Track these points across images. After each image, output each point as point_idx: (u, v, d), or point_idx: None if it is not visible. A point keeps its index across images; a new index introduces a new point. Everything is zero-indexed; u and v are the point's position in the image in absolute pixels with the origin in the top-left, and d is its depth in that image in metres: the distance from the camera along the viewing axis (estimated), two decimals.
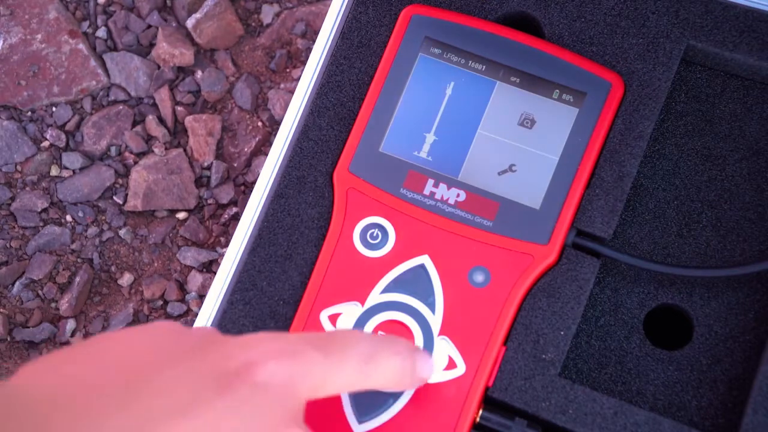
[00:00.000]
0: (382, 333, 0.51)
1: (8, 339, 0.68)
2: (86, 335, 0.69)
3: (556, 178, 0.52)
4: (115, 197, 0.71)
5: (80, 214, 0.70)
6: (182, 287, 0.69)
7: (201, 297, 0.68)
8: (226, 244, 0.69)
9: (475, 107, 0.53)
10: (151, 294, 0.69)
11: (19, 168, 0.71)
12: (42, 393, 0.35)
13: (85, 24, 0.73)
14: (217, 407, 0.37)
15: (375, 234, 0.52)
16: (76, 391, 0.36)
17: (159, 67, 0.72)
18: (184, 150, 0.71)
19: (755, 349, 0.51)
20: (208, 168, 0.71)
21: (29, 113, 0.72)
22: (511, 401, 0.50)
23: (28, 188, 0.71)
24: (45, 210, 0.71)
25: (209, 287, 0.57)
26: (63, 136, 0.71)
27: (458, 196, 0.52)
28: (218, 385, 0.38)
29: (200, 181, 0.71)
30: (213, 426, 0.37)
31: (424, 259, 0.51)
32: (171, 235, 0.70)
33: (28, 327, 0.69)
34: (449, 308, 0.51)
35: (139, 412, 0.36)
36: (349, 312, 0.51)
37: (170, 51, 0.72)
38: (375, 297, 0.51)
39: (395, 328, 0.51)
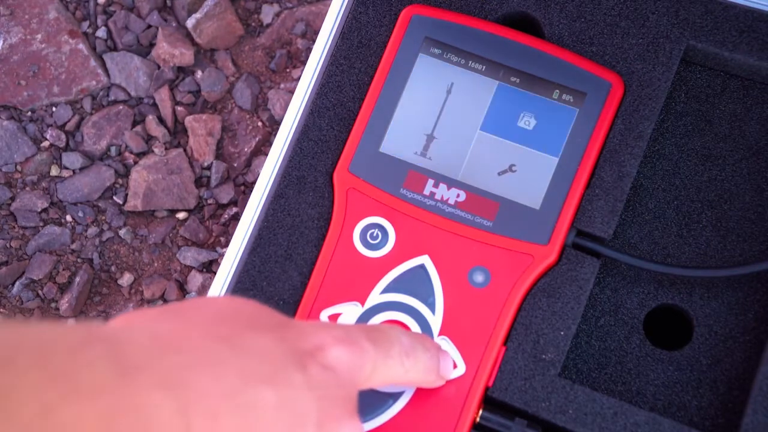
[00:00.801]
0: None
1: None
2: None
3: (556, 178, 0.52)
4: (115, 197, 0.71)
5: (80, 214, 0.70)
6: (182, 287, 0.69)
7: None
8: (226, 244, 0.69)
9: (475, 107, 0.53)
10: (151, 294, 0.69)
11: (19, 168, 0.71)
12: (144, 338, 0.36)
13: (85, 24, 0.73)
14: (295, 382, 0.39)
15: (375, 234, 0.52)
16: (176, 342, 0.37)
17: (159, 67, 0.72)
18: (184, 150, 0.71)
19: (755, 349, 0.51)
20: (208, 168, 0.71)
21: (29, 113, 0.72)
22: (511, 401, 0.50)
23: (28, 188, 0.71)
24: (45, 210, 0.71)
25: (209, 287, 0.57)
26: (63, 136, 0.71)
27: (458, 196, 0.52)
28: (296, 361, 0.39)
29: (200, 181, 0.71)
30: (291, 399, 0.38)
31: (424, 260, 0.51)
32: (171, 235, 0.70)
33: None
34: (449, 308, 0.51)
35: (233, 370, 0.37)
36: (349, 312, 0.51)
37: (170, 51, 0.72)
38: (375, 297, 0.51)
39: None
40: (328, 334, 0.41)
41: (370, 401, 0.50)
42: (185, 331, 0.38)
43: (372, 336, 0.43)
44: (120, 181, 0.71)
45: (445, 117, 0.53)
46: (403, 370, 0.45)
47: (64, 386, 0.31)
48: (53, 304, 0.69)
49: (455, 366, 0.50)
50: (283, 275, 0.53)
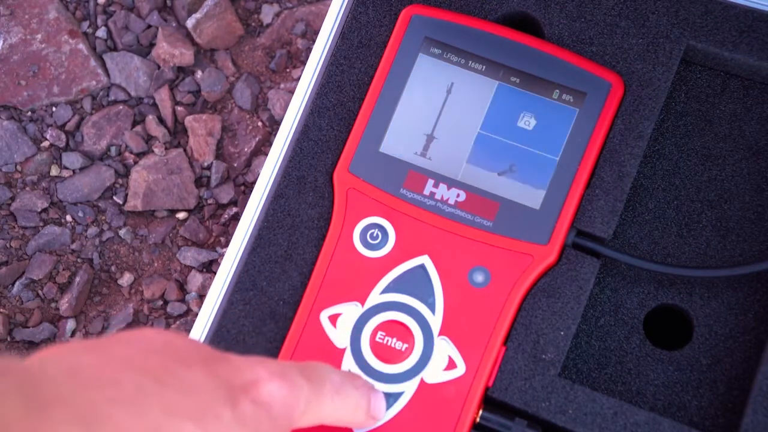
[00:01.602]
0: (383, 333, 0.51)
1: (8, 339, 0.68)
2: (86, 335, 0.69)
3: (556, 178, 0.52)
4: (115, 197, 0.71)
5: (80, 214, 0.70)
6: (182, 287, 0.69)
7: (201, 297, 0.69)
8: (226, 244, 0.69)
9: (475, 107, 0.53)
10: (151, 294, 0.69)
11: (19, 168, 0.71)
12: (62, 373, 0.35)
13: (85, 24, 0.73)
14: (224, 419, 0.38)
15: (375, 234, 0.52)
16: (97, 376, 0.36)
17: (159, 67, 0.72)
18: (184, 150, 0.71)
19: (755, 349, 0.51)
20: (208, 168, 0.71)
21: (29, 113, 0.72)
22: (511, 401, 0.50)
23: (28, 188, 0.71)
24: (45, 210, 0.71)
25: (209, 287, 0.57)
26: (63, 136, 0.71)
27: (458, 196, 0.52)
28: (227, 396, 0.38)
29: (200, 181, 0.71)
30: None
31: (424, 260, 0.51)
32: (171, 235, 0.70)
33: (28, 327, 0.69)
34: (449, 308, 0.51)
35: (157, 406, 0.36)
36: (349, 312, 0.51)
37: (170, 51, 0.72)
38: (375, 297, 0.51)
39: (395, 329, 0.51)
40: (264, 368, 0.40)
41: None
42: (107, 364, 0.37)
43: (305, 373, 0.43)
44: (120, 181, 0.71)
45: (445, 117, 0.53)
46: (333, 408, 0.44)
47: None
48: (53, 304, 0.69)
49: (453, 364, 0.50)
50: (283, 275, 0.53)
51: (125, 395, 0.35)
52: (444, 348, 0.50)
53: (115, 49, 0.73)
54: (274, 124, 0.71)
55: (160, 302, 0.69)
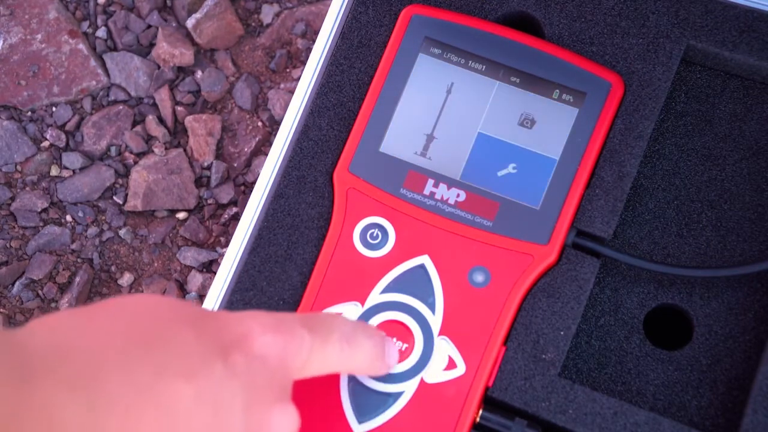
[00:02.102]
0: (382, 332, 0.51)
1: None
2: None
3: (556, 178, 0.52)
4: (115, 197, 0.71)
5: (80, 214, 0.70)
6: (182, 287, 0.69)
7: (201, 297, 0.69)
8: (226, 244, 0.69)
9: (475, 107, 0.53)
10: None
11: (19, 168, 0.71)
12: (49, 343, 0.35)
13: (85, 24, 0.73)
14: (215, 373, 0.38)
15: (375, 234, 0.52)
16: (85, 344, 0.36)
17: (159, 67, 0.72)
18: (184, 150, 0.71)
19: (755, 349, 0.51)
20: (208, 168, 0.71)
21: (29, 113, 0.72)
22: (511, 401, 0.50)
23: (28, 188, 0.71)
24: (45, 210, 0.71)
25: (209, 287, 0.57)
26: (63, 136, 0.71)
27: (458, 196, 0.52)
28: (219, 353, 0.38)
29: (200, 181, 0.71)
30: (212, 391, 0.37)
31: (424, 259, 0.51)
32: (171, 235, 0.70)
33: None
34: (449, 308, 0.51)
35: (147, 367, 0.36)
36: (349, 312, 0.51)
37: (170, 51, 0.72)
38: (375, 297, 0.51)
39: (395, 328, 0.51)
40: (255, 322, 0.40)
41: (370, 401, 0.50)
42: (93, 331, 0.37)
43: (308, 323, 0.42)
44: (120, 181, 0.71)
45: (445, 117, 0.53)
46: (343, 357, 0.44)
47: None
48: (53, 304, 0.69)
49: (453, 364, 0.50)
50: (283, 275, 0.53)
51: (113, 360, 0.35)
52: (444, 348, 0.50)
53: (115, 49, 0.73)
54: (274, 124, 0.71)
55: None
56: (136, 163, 0.71)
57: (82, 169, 0.71)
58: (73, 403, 0.33)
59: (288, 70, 0.72)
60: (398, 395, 0.50)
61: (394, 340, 0.50)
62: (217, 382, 0.38)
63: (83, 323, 0.37)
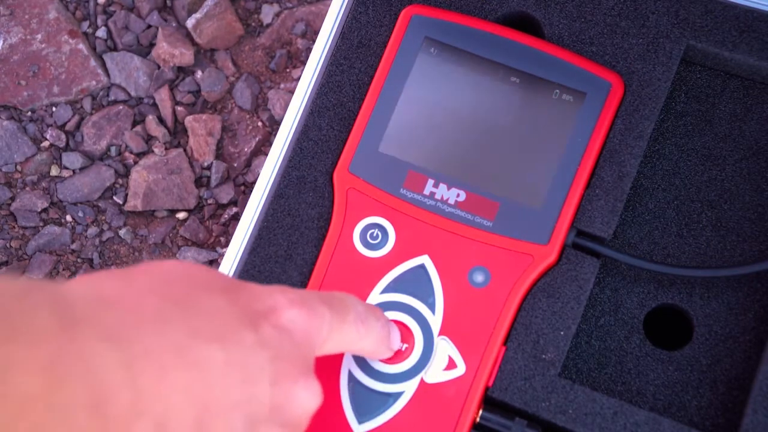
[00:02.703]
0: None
1: None
2: None
3: (556, 178, 0.52)
4: (115, 197, 0.71)
5: (80, 214, 0.70)
6: None
7: None
8: (226, 244, 0.69)
9: (475, 107, 0.53)
10: None
11: (19, 168, 0.71)
12: (91, 295, 0.36)
13: (85, 24, 0.73)
14: (246, 341, 0.38)
15: (375, 234, 0.52)
16: (124, 299, 0.36)
17: (159, 67, 0.72)
18: (184, 150, 0.71)
19: (755, 349, 0.51)
20: (208, 168, 0.71)
21: (29, 113, 0.72)
22: (511, 401, 0.50)
23: (28, 188, 0.71)
24: (45, 210, 0.71)
25: None
26: (63, 136, 0.71)
27: (458, 196, 0.52)
28: (248, 321, 0.39)
29: (200, 181, 0.71)
30: (242, 358, 0.38)
31: (424, 259, 0.51)
32: (171, 235, 0.70)
33: None
34: (449, 308, 0.51)
35: (182, 328, 0.36)
36: None
37: (170, 51, 0.72)
38: (375, 297, 0.51)
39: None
40: (283, 296, 0.41)
41: (370, 401, 0.50)
42: (132, 290, 0.37)
43: (328, 301, 0.43)
44: (120, 181, 0.71)
45: (445, 117, 0.53)
46: (357, 337, 0.45)
47: (3, 330, 0.30)
48: None
49: (453, 364, 0.50)
50: (283, 275, 0.53)
51: (149, 318, 0.36)
52: (444, 348, 0.50)
53: (115, 49, 0.73)
54: (274, 124, 0.71)
55: None
56: (136, 163, 0.71)
57: (82, 169, 0.71)
58: (111, 356, 0.33)
59: (288, 70, 0.72)
60: (398, 395, 0.50)
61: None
62: (247, 350, 0.38)
63: (123, 281, 0.38)
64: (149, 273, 0.39)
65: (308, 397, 0.40)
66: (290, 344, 0.40)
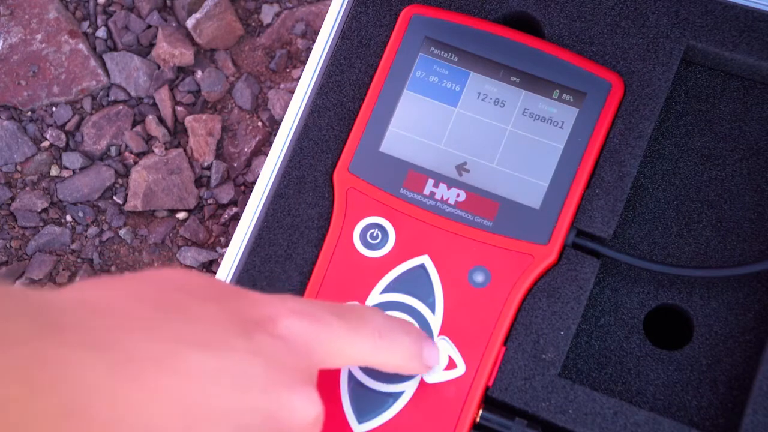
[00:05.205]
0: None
1: None
2: None
3: (556, 178, 0.52)
4: (115, 197, 0.71)
5: (80, 214, 0.70)
6: None
7: None
8: (226, 244, 0.69)
9: (475, 107, 0.53)
10: None
11: (19, 168, 0.71)
12: (75, 300, 0.35)
13: (85, 24, 0.73)
14: (238, 349, 0.37)
15: (375, 234, 0.52)
16: (110, 306, 0.36)
17: (159, 67, 0.72)
18: (184, 150, 0.71)
19: (755, 349, 0.51)
20: (208, 168, 0.71)
21: (29, 113, 0.72)
22: (511, 401, 0.50)
23: (28, 188, 0.71)
24: (45, 210, 0.71)
25: None
26: (63, 136, 0.71)
27: (458, 196, 0.52)
28: (241, 328, 0.38)
29: (200, 181, 0.71)
30: (231, 366, 0.37)
31: (424, 259, 0.51)
32: (171, 235, 0.70)
33: None
34: (449, 308, 0.51)
35: (168, 334, 0.36)
36: None
37: (170, 51, 0.72)
38: (375, 297, 0.51)
39: None
40: (283, 305, 0.40)
41: (370, 401, 0.50)
42: (122, 297, 0.37)
43: (339, 312, 0.42)
44: (120, 181, 0.71)
45: (445, 117, 0.53)
46: (374, 351, 0.43)
47: None
48: None
49: (453, 364, 0.50)
50: (283, 275, 0.53)
51: (135, 324, 0.35)
52: (444, 348, 0.50)
53: (115, 49, 0.73)
54: (274, 124, 0.71)
55: None
56: (136, 163, 0.71)
57: (82, 169, 0.71)
58: (92, 363, 0.33)
59: (288, 70, 0.72)
60: (398, 395, 0.50)
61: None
62: (237, 358, 0.37)
63: (112, 287, 0.37)
64: (143, 280, 0.38)
65: (304, 407, 0.39)
66: (286, 352, 0.39)
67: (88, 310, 0.35)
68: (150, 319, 0.36)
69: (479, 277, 0.51)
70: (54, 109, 0.72)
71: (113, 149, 0.71)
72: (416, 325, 0.51)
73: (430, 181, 0.52)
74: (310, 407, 0.39)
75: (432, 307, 0.51)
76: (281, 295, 0.41)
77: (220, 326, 0.38)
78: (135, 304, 0.36)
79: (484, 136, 0.53)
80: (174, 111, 0.72)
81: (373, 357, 0.44)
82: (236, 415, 0.37)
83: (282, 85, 0.72)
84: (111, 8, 0.74)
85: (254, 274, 0.53)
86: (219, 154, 0.71)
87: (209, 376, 0.36)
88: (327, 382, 0.50)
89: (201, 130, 0.71)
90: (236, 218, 0.70)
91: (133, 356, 0.34)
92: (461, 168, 0.52)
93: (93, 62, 0.72)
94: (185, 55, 0.72)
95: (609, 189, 0.52)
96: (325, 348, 0.41)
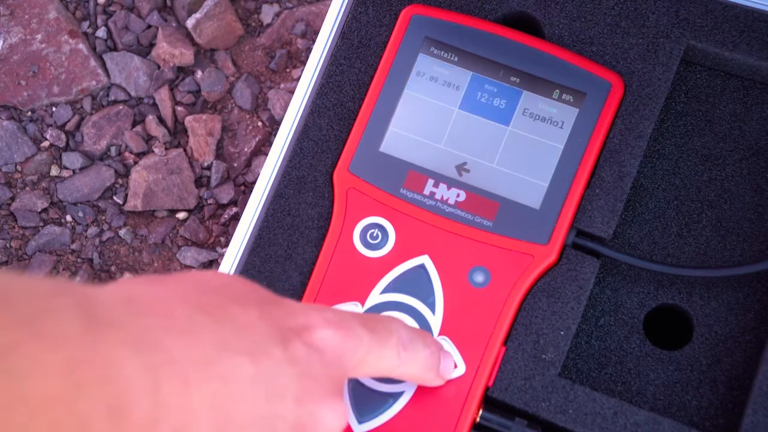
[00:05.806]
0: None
1: None
2: None
3: (556, 178, 0.52)
4: (115, 197, 0.71)
5: (80, 214, 0.70)
6: None
7: None
8: (226, 244, 0.69)
9: (474, 107, 0.53)
10: None
11: (19, 168, 0.71)
12: (121, 299, 0.35)
13: (85, 24, 0.73)
14: (275, 357, 0.38)
15: (375, 234, 0.52)
16: (155, 306, 0.36)
17: (159, 67, 0.72)
18: (184, 150, 0.71)
19: (755, 349, 0.51)
20: (208, 168, 0.71)
21: (29, 113, 0.72)
22: (511, 401, 0.50)
23: (28, 188, 0.71)
24: (45, 210, 0.71)
25: None
26: (63, 136, 0.71)
27: (458, 196, 0.52)
28: (279, 337, 0.39)
29: (200, 181, 0.71)
30: (268, 374, 0.37)
31: (424, 259, 0.51)
32: (171, 235, 0.70)
33: None
34: (449, 308, 0.51)
35: (211, 338, 0.36)
36: None
37: (170, 51, 0.72)
38: (375, 297, 0.51)
39: None
40: (319, 315, 0.41)
41: (370, 401, 0.50)
42: (163, 297, 0.37)
43: (368, 324, 0.43)
44: (120, 181, 0.71)
45: (445, 117, 0.53)
46: (398, 362, 0.44)
47: (27, 330, 0.30)
48: None
49: (456, 367, 0.50)
50: (283, 275, 0.53)
51: (178, 326, 0.36)
52: (444, 348, 0.50)
53: (115, 49, 0.73)
54: (274, 124, 0.71)
55: None
56: (136, 163, 0.71)
57: (82, 169, 0.71)
58: (135, 362, 0.33)
59: (288, 70, 0.72)
60: (398, 395, 0.50)
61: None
62: (274, 366, 0.38)
63: (156, 288, 0.37)
64: (184, 282, 0.39)
65: (332, 419, 0.40)
66: (320, 363, 0.39)
67: (135, 309, 0.35)
68: (193, 322, 0.36)
69: (479, 277, 0.51)
70: (54, 109, 0.72)
71: (113, 149, 0.71)
72: (418, 326, 0.51)
73: (430, 181, 0.52)
74: (336, 420, 0.40)
75: (432, 307, 0.51)
76: (317, 305, 0.42)
77: (259, 333, 0.38)
78: (180, 306, 0.37)
79: (484, 136, 0.53)
80: (174, 111, 0.72)
81: (396, 368, 0.45)
82: (266, 422, 0.37)
83: (282, 85, 0.72)
84: (111, 8, 0.74)
85: (254, 274, 0.53)
86: (219, 154, 0.71)
87: (247, 383, 0.37)
88: None
89: (201, 130, 0.71)
90: (236, 218, 0.70)
91: (177, 358, 0.34)
92: (461, 168, 0.52)
93: (93, 62, 0.72)
94: (185, 55, 0.72)
95: (609, 189, 0.52)
96: (355, 360, 0.42)
